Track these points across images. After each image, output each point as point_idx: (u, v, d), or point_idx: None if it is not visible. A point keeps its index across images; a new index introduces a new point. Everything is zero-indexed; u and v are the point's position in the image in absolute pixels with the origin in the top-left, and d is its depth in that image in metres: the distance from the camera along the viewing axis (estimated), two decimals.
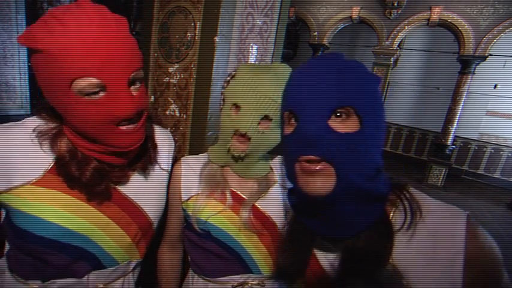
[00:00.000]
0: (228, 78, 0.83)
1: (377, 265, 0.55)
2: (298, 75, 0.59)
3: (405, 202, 0.57)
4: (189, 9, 1.10)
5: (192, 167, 0.89)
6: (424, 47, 7.67)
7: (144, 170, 0.80)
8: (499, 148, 6.95)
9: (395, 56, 6.28)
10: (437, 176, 6.03)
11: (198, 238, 0.86)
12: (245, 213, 0.81)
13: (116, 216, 0.74)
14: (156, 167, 0.85)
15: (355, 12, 6.32)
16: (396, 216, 0.57)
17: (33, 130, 0.67)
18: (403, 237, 0.55)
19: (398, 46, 6.20)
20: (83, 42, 0.55)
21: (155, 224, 0.84)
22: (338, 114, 0.53)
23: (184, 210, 0.88)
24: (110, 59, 0.57)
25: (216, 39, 1.05)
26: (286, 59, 6.95)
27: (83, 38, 0.55)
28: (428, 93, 8.00)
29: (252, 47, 1.20)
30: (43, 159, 0.67)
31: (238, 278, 0.85)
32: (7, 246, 0.74)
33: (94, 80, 0.57)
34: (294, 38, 7.52)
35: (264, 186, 0.86)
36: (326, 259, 0.64)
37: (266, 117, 0.75)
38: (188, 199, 0.86)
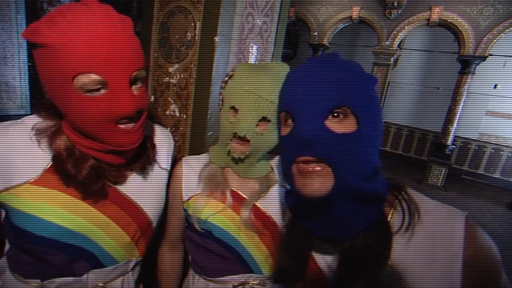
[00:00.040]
0: (226, 79, 0.83)
1: (375, 266, 0.55)
2: (295, 76, 0.59)
3: (403, 203, 0.57)
4: (189, 9, 1.10)
5: (193, 167, 0.89)
6: (424, 47, 7.67)
7: (143, 170, 0.80)
8: (499, 148, 6.95)
9: (395, 56, 6.28)
10: (437, 176, 6.03)
11: (199, 238, 0.86)
12: (246, 213, 0.81)
13: (115, 215, 0.74)
14: (156, 166, 0.85)
15: (355, 12, 6.32)
16: (394, 217, 0.57)
17: (32, 128, 0.67)
18: (401, 238, 0.55)
19: (398, 46, 6.20)
20: (87, 39, 0.55)
21: (154, 223, 0.84)
22: (335, 114, 0.53)
23: (185, 210, 0.88)
24: (112, 56, 0.58)
25: (216, 39, 1.05)
26: (286, 59, 6.94)
27: (87, 35, 0.55)
28: (428, 93, 8.00)
29: (252, 47, 1.20)
30: (42, 158, 0.67)
31: (239, 278, 0.85)
32: (7, 246, 0.74)
33: (96, 77, 0.57)
34: (294, 38, 7.52)
35: (265, 186, 0.86)
36: (324, 261, 0.64)
37: (264, 119, 0.75)
38: (189, 199, 0.86)
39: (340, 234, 0.57)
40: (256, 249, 0.84)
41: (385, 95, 7.08)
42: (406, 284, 0.52)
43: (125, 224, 0.76)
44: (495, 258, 0.51)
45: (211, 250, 0.85)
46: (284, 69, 0.77)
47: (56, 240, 0.67)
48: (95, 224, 0.71)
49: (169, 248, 0.98)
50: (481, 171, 7.18)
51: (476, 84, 6.56)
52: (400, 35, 5.98)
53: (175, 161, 0.94)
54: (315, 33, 6.97)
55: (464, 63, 5.48)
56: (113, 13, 0.60)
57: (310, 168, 0.53)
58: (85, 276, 0.74)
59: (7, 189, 0.64)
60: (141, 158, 0.78)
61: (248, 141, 0.76)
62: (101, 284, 0.76)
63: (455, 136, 6.14)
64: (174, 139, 0.96)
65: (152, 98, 1.26)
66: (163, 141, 0.89)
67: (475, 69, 5.48)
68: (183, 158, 0.92)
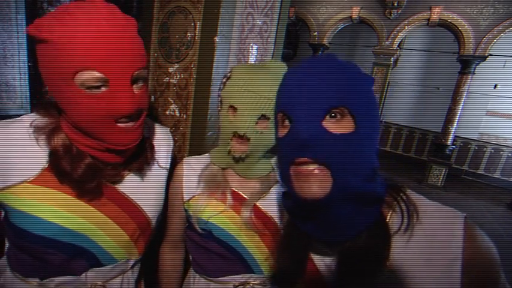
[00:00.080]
0: (224, 80, 0.83)
1: (374, 268, 0.54)
2: (291, 76, 0.58)
3: (402, 204, 0.56)
4: (189, 9, 1.10)
5: (193, 167, 0.90)
6: (424, 47, 7.67)
7: (140, 170, 0.80)
8: (499, 148, 6.95)
9: (395, 56, 6.28)
10: (437, 176, 6.03)
11: (200, 238, 0.86)
12: (246, 213, 0.81)
13: (113, 214, 0.74)
14: (155, 165, 0.85)
15: (355, 12, 6.32)
16: (393, 219, 0.57)
17: (30, 125, 0.67)
18: (400, 239, 0.54)
19: (398, 46, 6.20)
20: (90, 35, 0.55)
21: (154, 222, 0.84)
22: (332, 114, 0.52)
23: (186, 210, 0.88)
24: (115, 55, 0.58)
25: (216, 39, 1.05)
26: (286, 59, 6.95)
27: (91, 31, 0.55)
28: (428, 93, 8.00)
29: (252, 47, 1.20)
30: (40, 157, 0.67)
31: (239, 278, 0.85)
32: (7, 245, 0.75)
33: (97, 74, 0.58)
34: (294, 38, 7.53)
35: (266, 186, 0.86)
36: (323, 262, 0.63)
37: (263, 117, 0.76)
38: (190, 199, 0.86)
39: (339, 236, 0.57)
40: (256, 249, 0.84)
41: (385, 95, 7.08)
42: (406, 286, 0.52)
43: (123, 223, 0.76)
44: (494, 259, 0.50)
45: (211, 250, 0.85)
46: (281, 67, 0.78)
47: (55, 240, 0.67)
48: (93, 223, 0.71)
49: (170, 248, 0.98)
50: (481, 171, 7.18)
51: (476, 84, 6.56)
52: (400, 35, 5.98)
53: (175, 160, 0.94)
54: (315, 33, 6.98)
55: (464, 63, 5.48)
56: (118, 12, 0.60)
57: (308, 170, 0.52)
58: (84, 275, 0.74)
59: (5, 188, 0.64)
60: (139, 157, 0.78)
61: (248, 140, 0.77)
62: (100, 283, 0.76)
63: (455, 136, 6.14)
64: (174, 139, 0.97)
65: (152, 98, 1.26)
66: (162, 139, 0.90)
67: (475, 69, 5.48)
68: (184, 159, 0.93)
